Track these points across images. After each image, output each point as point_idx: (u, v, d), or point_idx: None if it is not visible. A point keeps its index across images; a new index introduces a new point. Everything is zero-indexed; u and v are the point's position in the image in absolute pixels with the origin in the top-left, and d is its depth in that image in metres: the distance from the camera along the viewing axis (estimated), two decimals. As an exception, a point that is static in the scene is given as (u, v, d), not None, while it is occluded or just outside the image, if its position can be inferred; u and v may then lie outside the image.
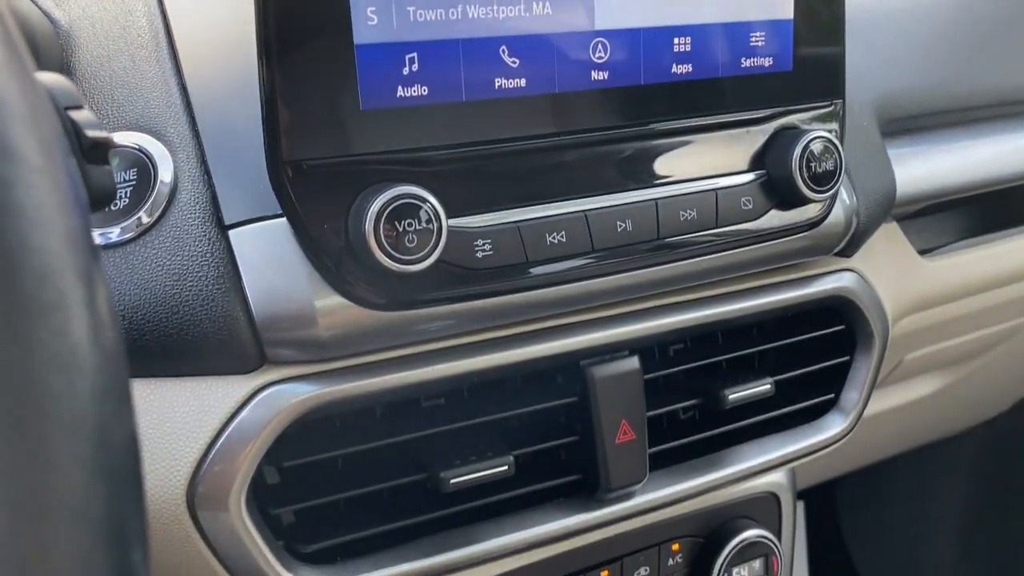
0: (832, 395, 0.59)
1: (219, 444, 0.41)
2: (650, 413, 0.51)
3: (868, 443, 0.87)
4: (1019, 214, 0.78)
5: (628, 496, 0.51)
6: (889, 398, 0.83)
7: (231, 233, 0.41)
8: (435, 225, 0.39)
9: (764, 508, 0.60)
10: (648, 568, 0.57)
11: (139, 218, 0.41)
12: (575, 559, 0.54)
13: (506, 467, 0.47)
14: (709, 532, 0.58)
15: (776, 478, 0.61)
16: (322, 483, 0.45)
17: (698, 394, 0.54)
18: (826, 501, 1.43)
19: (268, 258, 0.41)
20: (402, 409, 0.47)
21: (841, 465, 1.04)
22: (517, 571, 0.52)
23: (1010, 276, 0.77)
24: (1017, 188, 0.73)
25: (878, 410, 0.80)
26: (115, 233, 0.41)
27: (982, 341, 0.85)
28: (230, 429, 0.42)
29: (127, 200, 0.42)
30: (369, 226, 0.38)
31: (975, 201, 0.73)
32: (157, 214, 0.41)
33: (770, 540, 0.59)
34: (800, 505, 1.44)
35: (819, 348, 0.58)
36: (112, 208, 0.42)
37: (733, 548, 0.57)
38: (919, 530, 1.32)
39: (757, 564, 0.59)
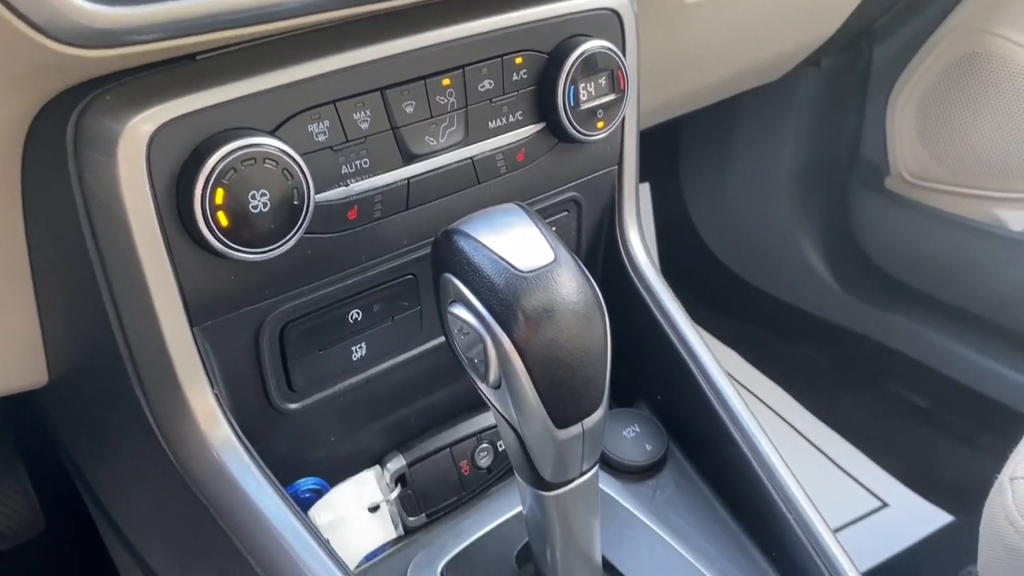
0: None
1: None
2: None
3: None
4: None
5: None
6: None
7: None
8: None
9: (606, 25, 0.59)
10: (492, 81, 0.55)
11: None
12: (416, 63, 0.51)
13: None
14: (552, 47, 0.57)
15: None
16: None
17: None
18: (672, 179, 1.48)
19: None
20: None
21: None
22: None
23: None
24: None
25: None
26: None
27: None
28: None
29: None
30: None
31: None
32: None
33: (614, 52, 0.58)
34: (646, 186, 1.49)
35: None
36: None
37: (576, 60, 0.56)
38: (759, 188, 1.38)
39: (603, 79, 0.58)
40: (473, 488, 0.63)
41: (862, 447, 1.25)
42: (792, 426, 1.26)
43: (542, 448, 0.45)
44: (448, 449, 0.62)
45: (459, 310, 0.44)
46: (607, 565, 0.53)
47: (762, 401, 1.26)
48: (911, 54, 1.22)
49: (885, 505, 1.15)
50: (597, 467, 0.48)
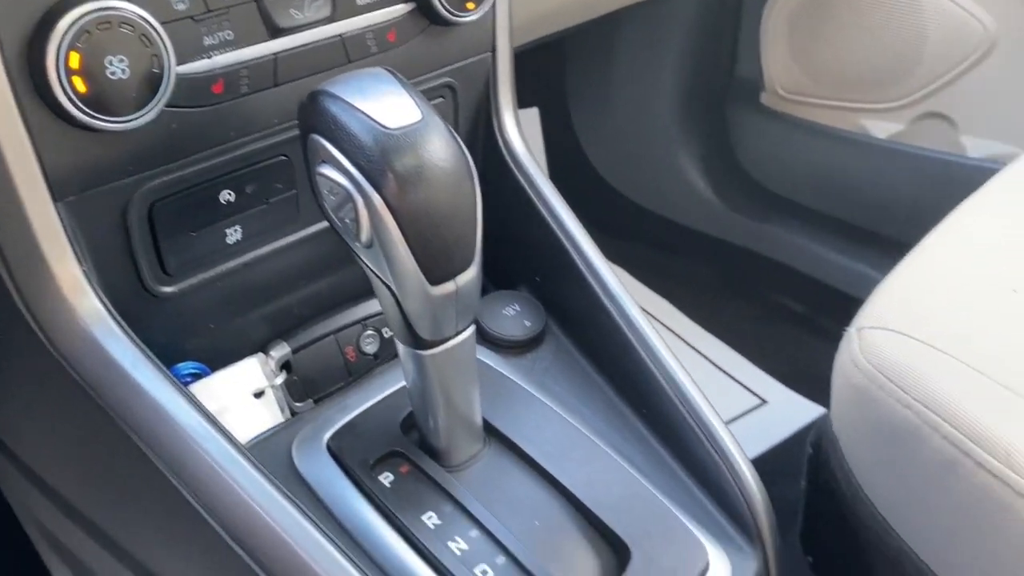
0: None
1: None
2: None
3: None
4: None
5: None
6: None
7: None
8: None
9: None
10: None
11: None
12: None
13: None
14: None
15: None
16: None
17: None
18: (560, 103, 1.50)
19: None
20: None
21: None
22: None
23: None
24: None
25: None
26: None
27: None
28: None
29: None
30: None
31: None
32: None
33: None
34: (535, 111, 1.50)
35: None
36: None
37: None
38: (642, 109, 1.42)
39: None
40: (360, 374, 0.64)
41: (743, 351, 1.31)
42: (676, 334, 1.31)
43: (417, 306, 0.46)
44: (333, 336, 0.62)
45: (328, 170, 0.44)
46: (488, 427, 0.55)
47: (647, 312, 1.31)
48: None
49: (764, 402, 1.22)
50: (473, 329, 0.50)
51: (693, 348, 1.30)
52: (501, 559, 0.48)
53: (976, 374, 0.52)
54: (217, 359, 0.58)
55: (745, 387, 1.24)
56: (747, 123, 1.37)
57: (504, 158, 0.66)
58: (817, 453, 0.61)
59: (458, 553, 0.48)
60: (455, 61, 0.62)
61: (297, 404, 0.61)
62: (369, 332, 0.64)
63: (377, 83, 0.45)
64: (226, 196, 0.54)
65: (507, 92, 0.66)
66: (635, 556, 0.49)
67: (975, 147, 1.16)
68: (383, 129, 0.43)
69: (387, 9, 0.57)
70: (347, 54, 0.55)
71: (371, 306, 0.64)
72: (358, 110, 0.44)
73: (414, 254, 0.44)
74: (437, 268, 0.45)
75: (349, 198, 0.44)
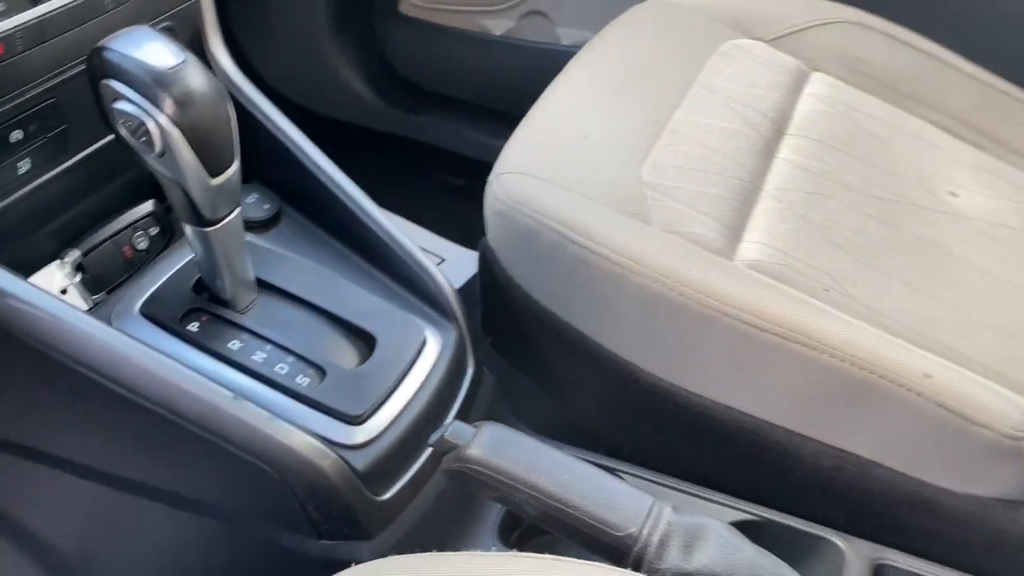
0: None
1: None
2: None
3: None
4: None
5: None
6: None
7: None
8: None
9: None
10: None
11: None
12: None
13: None
14: None
15: None
16: None
17: None
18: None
19: None
20: None
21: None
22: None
23: None
24: None
25: None
26: None
27: None
28: None
29: None
30: None
31: None
32: None
33: None
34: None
35: None
36: None
37: None
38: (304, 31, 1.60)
39: None
40: (137, 266, 0.80)
41: (423, 224, 1.58)
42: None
43: (202, 195, 0.66)
44: (111, 239, 0.78)
45: (122, 105, 0.62)
46: (260, 282, 0.76)
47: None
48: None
49: (443, 260, 1.51)
50: (239, 209, 0.70)
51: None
52: (291, 358, 0.71)
53: (569, 192, 0.82)
54: (23, 268, 0.72)
55: (426, 250, 1.52)
56: (392, 30, 1.60)
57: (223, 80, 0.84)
58: (484, 263, 0.89)
59: (260, 360, 0.70)
60: (173, 8, 0.79)
61: (93, 297, 0.77)
62: (139, 233, 0.80)
63: (144, 37, 0.63)
64: (15, 136, 0.68)
65: (214, 29, 0.84)
66: (379, 340, 0.74)
67: (566, 35, 1.50)
68: (160, 69, 0.61)
69: (115, -29, 0.72)
70: (89, 11, 0.70)
71: (137, 212, 0.80)
72: (137, 59, 0.61)
73: (197, 156, 0.63)
74: (213, 164, 0.65)
75: (142, 123, 0.61)
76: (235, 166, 0.66)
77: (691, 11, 1.11)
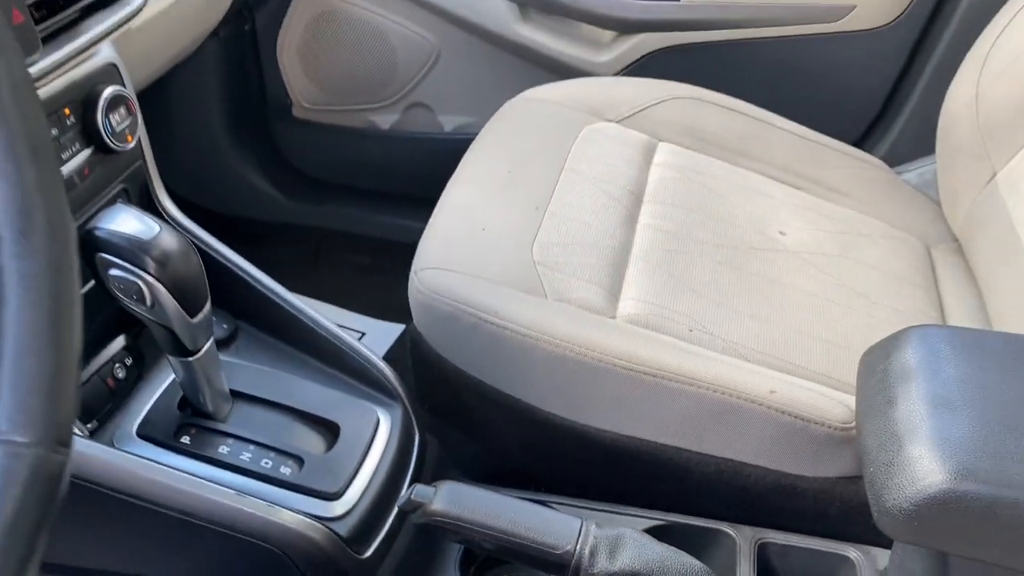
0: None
1: None
2: None
3: None
4: None
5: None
6: None
7: None
8: None
9: (112, 76, 0.90)
10: (56, 130, 0.83)
11: None
12: None
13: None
14: (84, 95, 0.87)
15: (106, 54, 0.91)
16: None
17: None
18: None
19: None
20: None
21: None
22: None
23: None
24: None
25: None
26: None
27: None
28: None
29: None
30: None
31: None
32: None
33: (126, 94, 0.90)
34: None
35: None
36: None
37: (105, 101, 0.87)
38: (206, 134, 1.73)
39: (122, 110, 0.90)
40: (120, 394, 0.94)
41: (338, 303, 1.73)
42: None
43: (184, 332, 0.80)
44: (96, 374, 0.92)
45: (116, 272, 0.76)
46: (233, 392, 0.90)
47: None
48: (283, 13, 1.64)
49: (363, 334, 1.66)
50: (212, 340, 0.85)
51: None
52: (272, 453, 0.86)
53: (477, 279, 0.99)
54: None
55: (345, 327, 1.67)
56: (288, 132, 1.76)
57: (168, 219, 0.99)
58: (413, 345, 1.05)
59: (248, 459, 0.85)
60: (124, 171, 0.93)
61: (87, 425, 0.90)
62: (117, 365, 0.94)
63: (122, 214, 0.78)
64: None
65: (158, 184, 0.99)
66: (342, 426, 0.90)
67: (448, 122, 1.69)
68: (142, 240, 0.76)
69: (81, 155, 0.86)
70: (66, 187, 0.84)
71: (113, 348, 0.94)
72: (123, 233, 0.76)
73: (179, 303, 0.78)
74: (191, 306, 0.80)
75: (134, 284, 0.76)
76: (207, 306, 0.81)
77: (554, 103, 1.32)
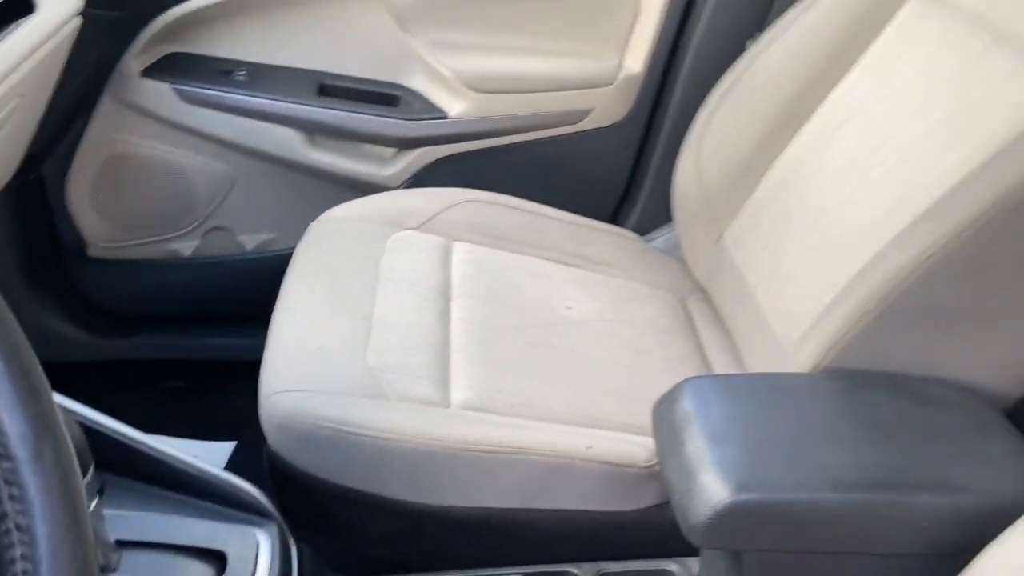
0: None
1: None
2: None
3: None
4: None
5: None
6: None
7: None
8: None
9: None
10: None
11: None
12: None
13: None
14: None
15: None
16: None
17: None
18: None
19: None
20: None
21: None
22: None
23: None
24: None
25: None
26: None
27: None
28: None
29: None
30: None
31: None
32: None
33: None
34: None
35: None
36: None
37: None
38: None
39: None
40: None
41: (160, 431, 1.76)
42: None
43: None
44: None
45: None
46: (120, 542, 0.97)
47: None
48: (71, 160, 1.67)
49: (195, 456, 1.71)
50: (97, 498, 0.91)
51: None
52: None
53: (325, 394, 1.12)
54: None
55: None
56: (84, 273, 1.77)
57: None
58: (272, 464, 1.16)
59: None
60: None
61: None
62: None
63: None
64: None
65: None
66: (228, 554, 0.99)
67: (249, 241, 1.79)
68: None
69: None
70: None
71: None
72: None
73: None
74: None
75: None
76: (91, 471, 0.89)
77: (356, 220, 1.47)
